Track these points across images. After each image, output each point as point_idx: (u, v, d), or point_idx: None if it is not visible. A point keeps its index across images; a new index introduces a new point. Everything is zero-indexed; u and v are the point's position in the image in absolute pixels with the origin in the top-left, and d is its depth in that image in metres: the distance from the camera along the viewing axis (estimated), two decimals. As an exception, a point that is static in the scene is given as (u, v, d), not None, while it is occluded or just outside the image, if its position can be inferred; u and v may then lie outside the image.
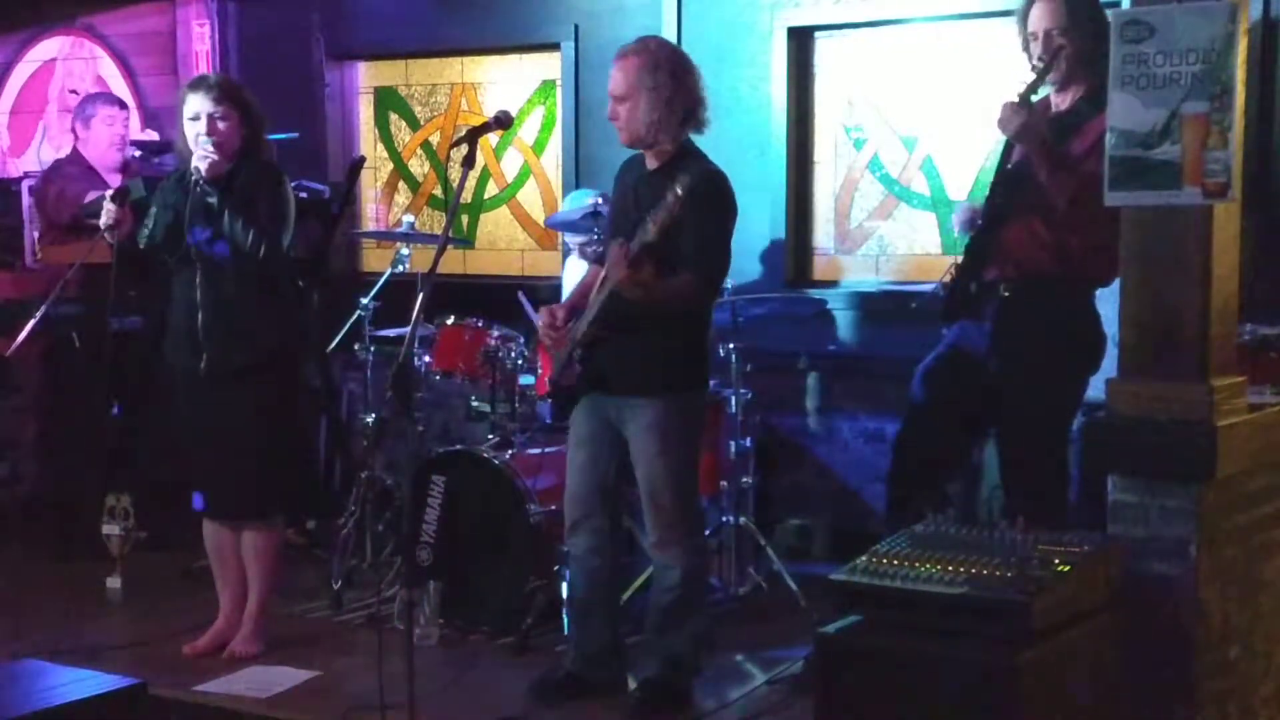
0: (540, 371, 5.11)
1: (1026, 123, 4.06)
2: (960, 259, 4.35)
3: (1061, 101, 4.27)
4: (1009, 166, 4.26)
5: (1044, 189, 4.07)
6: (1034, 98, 4.16)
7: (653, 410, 4.18)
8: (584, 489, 4.36)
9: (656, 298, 4.05)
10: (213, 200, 4.60)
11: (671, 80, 4.15)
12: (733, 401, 5.25)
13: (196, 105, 4.64)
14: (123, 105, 6.54)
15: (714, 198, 4.13)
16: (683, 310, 4.19)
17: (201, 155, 4.58)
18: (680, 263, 4.08)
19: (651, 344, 4.18)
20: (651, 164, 4.27)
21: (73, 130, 6.44)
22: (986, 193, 4.38)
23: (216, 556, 4.92)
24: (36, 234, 6.62)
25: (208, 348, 4.69)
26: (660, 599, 4.33)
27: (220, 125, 4.63)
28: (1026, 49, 4.25)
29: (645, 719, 4.26)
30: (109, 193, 4.81)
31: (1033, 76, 4.15)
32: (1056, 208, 4.06)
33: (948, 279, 4.37)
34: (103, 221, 4.66)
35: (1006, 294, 4.20)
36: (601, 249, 4.58)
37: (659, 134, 4.18)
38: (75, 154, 6.35)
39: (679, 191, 3.86)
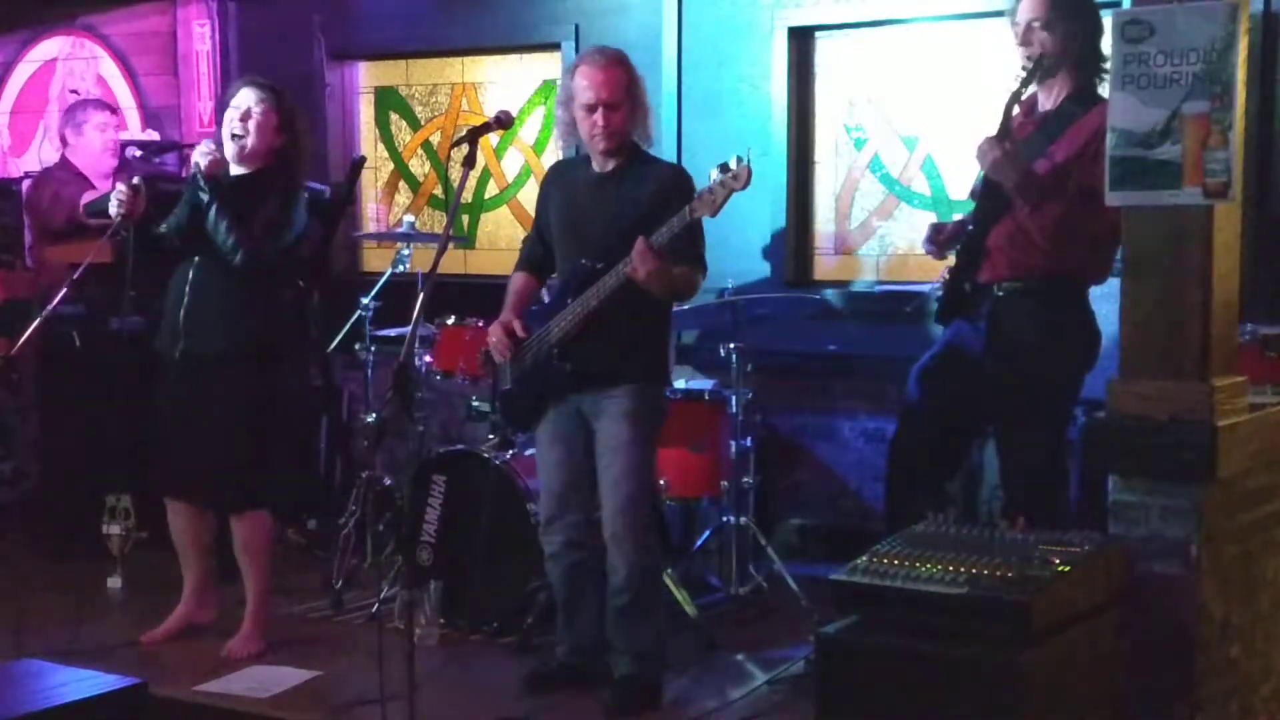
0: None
1: (999, 159, 4.08)
2: (953, 261, 4.35)
3: (1048, 100, 4.26)
4: None
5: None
6: (1023, 95, 4.17)
7: (628, 399, 4.26)
8: (560, 485, 4.41)
9: (670, 287, 4.21)
10: (204, 195, 4.63)
11: (641, 86, 4.35)
12: (733, 401, 5.24)
13: (242, 98, 4.72)
14: (113, 110, 6.51)
15: (692, 194, 4.18)
16: (683, 299, 4.44)
17: (203, 152, 4.65)
18: (678, 257, 4.18)
19: (628, 335, 4.27)
20: (603, 166, 4.34)
21: (61, 137, 6.36)
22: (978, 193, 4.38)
23: (178, 537, 4.98)
24: (29, 241, 6.60)
25: (185, 333, 4.71)
26: (615, 600, 4.34)
27: (255, 116, 4.70)
28: (1020, 44, 4.25)
29: (623, 717, 4.27)
30: (120, 185, 4.76)
31: (1023, 75, 4.16)
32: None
33: (943, 279, 4.37)
34: (112, 209, 4.65)
35: (1001, 293, 4.20)
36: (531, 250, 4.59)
37: (635, 137, 4.32)
38: (64, 160, 6.28)
39: (704, 196, 4.04)
